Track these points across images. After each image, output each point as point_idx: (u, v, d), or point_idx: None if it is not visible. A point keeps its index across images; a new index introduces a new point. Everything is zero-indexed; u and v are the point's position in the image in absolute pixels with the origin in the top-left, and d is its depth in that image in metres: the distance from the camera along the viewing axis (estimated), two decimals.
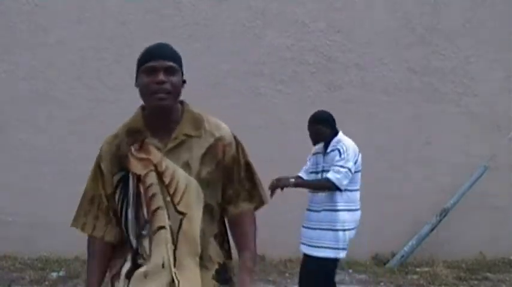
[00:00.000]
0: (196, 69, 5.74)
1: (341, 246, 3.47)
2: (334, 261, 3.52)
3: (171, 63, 1.73)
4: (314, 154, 3.74)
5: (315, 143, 3.67)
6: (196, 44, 5.69)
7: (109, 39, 5.67)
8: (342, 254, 3.51)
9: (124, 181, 1.75)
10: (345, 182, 3.39)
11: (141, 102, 1.89)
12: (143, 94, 1.76)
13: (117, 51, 5.67)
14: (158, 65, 1.71)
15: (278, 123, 5.70)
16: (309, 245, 3.54)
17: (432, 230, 5.67)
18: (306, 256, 3.59)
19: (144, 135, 1.75)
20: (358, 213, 3.57)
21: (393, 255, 5.62)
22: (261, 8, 5.77)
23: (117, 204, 1.78)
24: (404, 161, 5.91)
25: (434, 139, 5.93)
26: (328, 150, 3.54)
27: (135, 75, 1.82)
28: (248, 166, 1.89)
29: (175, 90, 1.73)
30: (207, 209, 1.75)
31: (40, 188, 5.62)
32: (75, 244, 5.51)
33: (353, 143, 3.56)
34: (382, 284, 5.08)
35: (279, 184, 3.54)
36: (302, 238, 3.63)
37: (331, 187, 3.39)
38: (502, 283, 5.18)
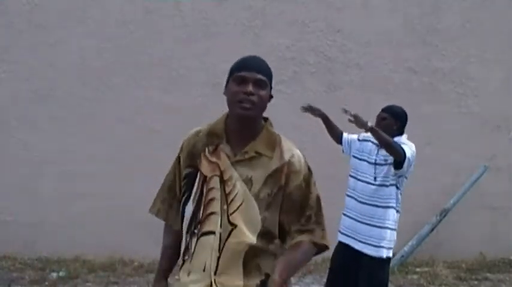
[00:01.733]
0: (196, 69, 5.76)
1: (392, 245, 3.41)
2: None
3: (261, 77, 1.76)
4: (362, 140, 3.63)
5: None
6: (196, 44, 5.69)
7: (109, 39, 5.67)
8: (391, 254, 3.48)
9: (190, 177, 1.82)
10: (411, 167, 3.34)
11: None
12: (230, 101, 1.79)
13: (117, 51, 5.67)
14: (249, 76, 1.75)
15: (278, 123, 5.68)
16: (366, 243, 3.40)
17: (432, 230, 5.67)
18: (363, 255, 3.44)
19: (220, 140, 1.79)
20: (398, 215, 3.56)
21: (393, 255, 5.61)
22: (261, 8, 5.77)
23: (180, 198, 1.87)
24: None
25: (434, 139, 5.93)
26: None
27: (225, 82, 1.86)
28: (318, 201, 1.89)
29: (261, 104, 1.77)
30: (266, 234, 1.75)
31: (40, 188, 5.62)
32: (75, 244, 5.56)
33: (414, 149, 3.43)
34: None
35: (357, 121, 3.40)
36: (348, 230, 3.49)
37: (401, 156, 3.27)
38: (502, 283, 5.18)
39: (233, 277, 1.72)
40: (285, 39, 5.78)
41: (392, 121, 3.50)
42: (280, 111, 5.94)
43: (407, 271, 5.38)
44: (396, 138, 3.46)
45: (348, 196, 3.62)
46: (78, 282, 4.92)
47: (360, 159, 3.59)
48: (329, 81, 5.83)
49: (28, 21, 5.64)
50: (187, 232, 1.81)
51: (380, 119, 3.54)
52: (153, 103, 5.63)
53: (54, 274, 5.06)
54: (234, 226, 1.72)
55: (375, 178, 3.42)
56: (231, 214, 1.73)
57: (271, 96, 1.85)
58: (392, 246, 3.50)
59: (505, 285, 5.14)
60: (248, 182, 1.74)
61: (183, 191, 1.85)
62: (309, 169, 1.86)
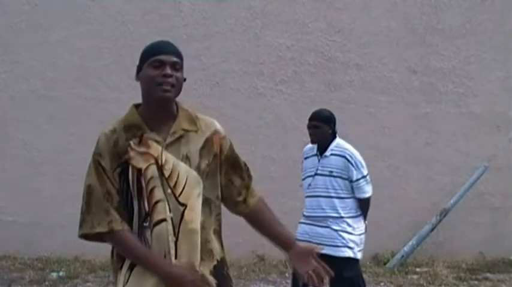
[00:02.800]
0: (196, 69, 5.75)
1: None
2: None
3: (177, 59, 1.79)
4: (306, 158, 3.62)
5: (316, 143, 3.56)
6: (196, 44, 5.69)
7: (109, 39, 5.67)
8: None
9: (124, 174, 1.78)
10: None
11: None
12: (148, 86, 1.80)
13: (117, 51, 5.67)
14: (166, 59, 1.78)
15: (278, 123, 5.70)
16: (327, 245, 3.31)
17: (432, 230, 5.67)
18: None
19: (142, 130, 1.78)
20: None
21: (393, 255, 5.62)
22: (261, 8, 5.77)
23: (122, 198, 1.80)
24: (405, 161, 5.91)
25: (434, 139, 5.93)
26: (328, 153, 3.45)
27: (136, 70, 1.88)
28: (240, 158, 1.97)
29: (178, 86, 1.79)
30: (206, 202, 1.80)
31: (40, 188, 5.62)
32: (75, 244, 5.53)
33: (356, 151, 3.50)
34: (382, 284, 5.08)
35: None
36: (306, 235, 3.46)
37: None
38: (502, 283, 5.18)
39: (194, 260, 1.75)
40: (285, 39, 5.78)
41: (326, 127, 3.52)
42: (280, 111, 5.95)
43: (407, 271, 5.38)
44: (335, 143, 3.49)
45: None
46: (78, 282, 4.93)
47: (306, 177, 3.59)
48: (329, 81, 5.83)
49: (28, 21, 5.65)
50: (137, 229, 1.78)
51: (314, 129, 3.52)
52: None
53: (54, 274, 5.06)
54: (184, 206, 1.75)
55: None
56: (179, 196, 1.75)
57: (184, 79, 1.87)
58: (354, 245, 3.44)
59: (505, 285, 5.14)
60: (186, 159, 1.77)
61: (122, 190, 1.78)
62: (226, 133, 1.95)
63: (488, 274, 5.39)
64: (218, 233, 1.86)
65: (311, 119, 3.57)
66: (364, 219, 3.59)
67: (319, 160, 3.50)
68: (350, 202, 3.48)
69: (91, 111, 5.65)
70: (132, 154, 1.77)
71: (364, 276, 5.25)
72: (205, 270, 1.78)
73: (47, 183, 5.62)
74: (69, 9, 5.65)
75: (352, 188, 3.47)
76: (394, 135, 5.88)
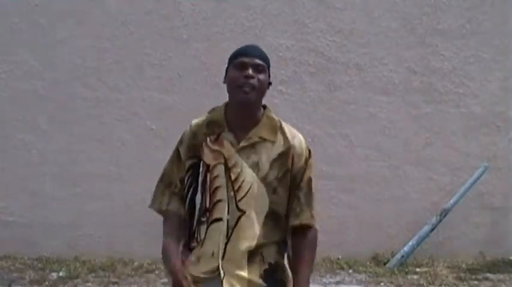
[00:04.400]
0: (196, 70, 5.75)
1: None
2: None
3: (260, 62, 1.81)
4: None
5: None
6: (196, 44, 5.69)
7: (109, 39, 5.67)
8: None
9: (194, 167, 1.83)
10: None
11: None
12: (230, 87, 1.83)
13: (117, 51, 5.67)
14: (248, 61, 1.79)
15: None
16: None
17: (432, 230, 5.67)
18: None
19: (222, 128, 1.82)
20: None
21: (393, 255, 5.62)
22: (261, 8, 5.77)
23: (186, 190, 1.87)
24: (404, 161, 5.91)
25: (434, 139, 5.93)
26: None
27: (225, 73, 1.88)
28: (310, 182, 1.89)
29: (261, 88, 1.81)
30: (273, 215, 1.80)
31: (40, 188, 5.62)
32: (75, 244, 5.56)
33: None
34: (382, 284, 5.08)
35: None
36: None
37: None
38: (502, 283, 5.18)
39: (239, 264, 1.76)
40: (285, 39, 5.78)
41: None
42: (280, 111, 5.93)
43: (407, 271, 5.37)
44: None
45: None
46: (78, 282, 4.92)
47: None
48: (329, 81, 5.83)
49: (28, 21, 5.65)
50: (196, 221, 1.84)
51: None
52: (153, 103, 5.63)
53: (54, 274, 5.06)
54: (242, 212, 1.76)
55: None
56: (239, 200, 1.76)
57: (269, 83, 1.89)
58: None
59: (505, 285, 5.14)
60: (255, 166, 1.78)
61: (188, 182, 1.86)
62: (309, 151, 1.91)
63: (488, 274, 5.39)
64: (278, 244, 1.84)
65: None
66: None
67: None
68: None
69: (91, 111, 5.66)
70: (205, 149, 1.81)
71: (364, 276, 5.27)
72: (255, 272, 1.78)
73: (47, 183, 5.62)
74: (69, 9, 5.65)
75: None
76: (394, 135, 5.88)
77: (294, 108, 5.72)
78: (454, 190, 5.78)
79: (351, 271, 5.43)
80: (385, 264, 5.56)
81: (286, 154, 1.81)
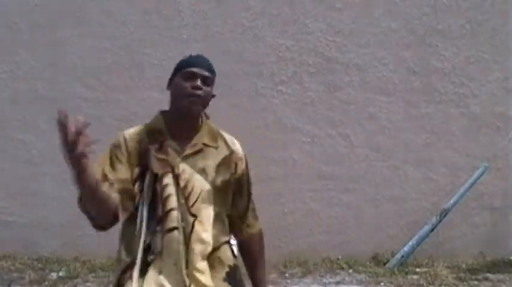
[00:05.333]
0: None
1: None
2: None
3: (208, 74, 1.86)
4: None
5: None
6: (195, 44, 5.69)
7: (109, 39, 5.67)
8: None
9: (140, 178, 1.82)
10: None
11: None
12: (176, 96, 1.85)
13: (117, 51, 5.67)
14: (198, 72, 1.83)
15: (278, 124, 5.69)
16: None
17: (432, 230, 5.67)
18: None
19: (163, 137, 1.83)
20: None
21: (393, 255, 5.62)
22: (261, 9, 5.77)
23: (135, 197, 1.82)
24: (404, 161, 5.91)
25: (434, 139, 5.94)
26: None
27: (168, 80, 1.93)
28: (250, 185, 2.01)
29: (206, 100, 1.86)
30: (219, 216, 1.84)
31: (40, 188, 5.62)
32: (75, 244, 5.56)
33: None
34: (382, 284, 5.08)
35: None
36: None
37: None
38: (502, 283, 5.18)
39: (201, 270, 1.76)
40: (285, 40, 5.78)
41: None
42: (280, 112, 5.95)
43: (407, 271, 5.37)
44: None
45: None
46: (78, 282, 4.92)
47: None
48: (329, 82, 5.84)
49: (28, 21, 5.65)
50: (149, 232, 1.79)
51: None
52: (153, 103, 5.62)
53: (54, 274, 5.06)
54: (195, 217, 1.77)
55: None
56: (191, 206, 1.77)
57: (213, 96, 1.96)
58: None
59: (505, 285, 5.14)
60: (203, 172, 1.81)
61: (139, 190, 1.82)
62: (245, 156, 1.99)
63: (488, 274, 5.39)
64: (228, 244, 1.90)
65: None
66: None
67: None
68: None
69: (91, 111, 5.65)
70: (152, 158, 1.80)
71: (364, 276, 5.27)
72: (219, 277, 1.80)
73: (47, 183, 5.62)
74: (69, 9, 5.65)
75: None
76: (394, 136, 5.89)
77: (294, 108, 5.72)
78: (454, 190, 5.79)
79: (351, 271, 5.43)
80: (385, 264, 5.57)
81: (229, 159, 1.89)
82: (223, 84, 5.79)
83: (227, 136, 1.96)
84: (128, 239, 1.87)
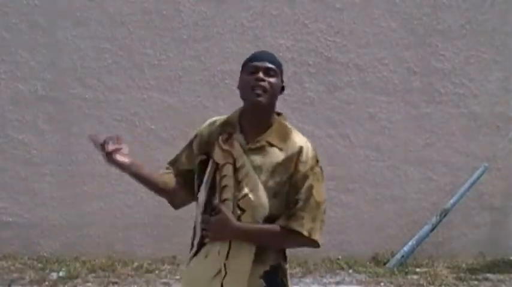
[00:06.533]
0: (196, 70, 5.75)
1: None
2: None
3: (271, 66, 1.88)
4: None
5: None
6: (195, 44, 5.69)
7: (109, 39, 5.67)
8: None
9: (203, 164, 1.90)
10: None
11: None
12: (243, 90, 1.89)
13: (117, 51, 5.67)
14: (260, 65, 1.86)
15: None
16: None
17: (432, 230, 5.67)
18: None
19: (234, 129, 1.88)
20: None
21: (393, 255, 5.62)
22: (261, 9, 5.77)
23: (195, 183, 1.96)
24: (404, 161, 5.91)
25: (434, 139, 5.94)
26: None
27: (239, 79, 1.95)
28: (311, 189, 1.85)
29: (272, 91, 1.87)
30: (271, 219, 1.83)
31: (40, 188, 5.62)
32: (75, 244, 5.57)
33: None
34: (382, 284, 5.08)
35: None
36: None
37: None
38: (502, 283, 5.18)
39: (243, 262, 1.80)
40: (285, 40, 5.78)
41: None
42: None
43: (407, 271, 5.38)
44: None
45: None
46: (78, 282, 4.93)
47: None
48: (329, 82, 5.84)
49: (28, 21, 5.65)
50: (204, 215, 1.88)
51: None
52: (153, 103, 5.63)
53: (54, 274, 5.07)
54: (242, 211, 1.81)
55: None
56: (239, 200, 1.80)
57: (283, 88, 1.97)
58: None
59: (505, 285, 5.14)
60: (257, 169, 1.82)
61: (197, 177, 1.94)
62: (317, 161, 1.91)
63: (488, 274, 5.39)
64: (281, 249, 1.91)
65: None
66: None
67: None
68: None
69: (91, 111, 5.66)
70: (217, 148, 1.86)
71: (364, 276, 5.27)
72: (257, 273, 1.82)
73: (47, 183, 5.62)
74: (69, 9, 5.65)
75: None
76: (394, 136, 5.89)
77: (294, 108, 5.72)
78: (454, 190, 5.79)
79: (351, 271, 5.43)
80: (385, 264, 5.57)
81: (290, 160, 1.84)
82: (224, 85, 5.81)
83: (299, 138, 1.92)
84: (195, 222, 1.96)
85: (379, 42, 5.87)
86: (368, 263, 5.63)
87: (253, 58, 1.91)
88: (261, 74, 1.84)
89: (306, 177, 1.85)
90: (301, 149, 1.87)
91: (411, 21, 5.92)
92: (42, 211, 5.60)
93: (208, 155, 1.89)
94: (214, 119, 2.02)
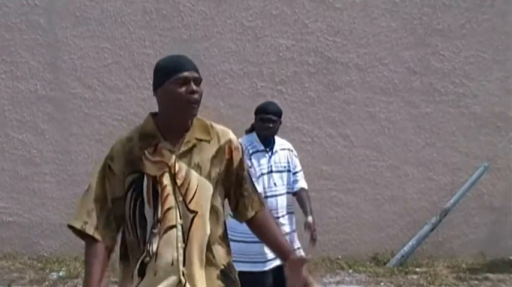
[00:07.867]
0: None
1: None
2: None
3: (198, 75, 1.84)
4: (254, 153, 3.32)
5: (270, 136, 3.40)
6: (195, 44, 5.69)
7: (109, 39, 5.67)
8: None
9: (137, 183, 1.81)
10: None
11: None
12: (172, 102, 1.82)
13: (117, 51, 5.67)
14: (190, 76, 1.81)
15: None
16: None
17: (432, 230, 5.67)
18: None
19: (157, 139, 1.83)
20: None
21: (393, 255, 5.62)
22: (261, 8, 5.77)
23: (129, 205, 1.83)
24: (404, 161, 5.91)
25: (434, 139, 5.94)
26: (278, 149, 3.36)
27: (153, 85, 1.91)
28: (249, 170, 2.02)
29: (200, 100, 1.85)
30: (213, 209, 1.84)
31: (40, 188, 5.63)
32: (75, 244, 5.54)
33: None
34: (382, 284, 5.08)
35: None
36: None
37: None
38: (502, 283, 5.18)
39: (198, 268, 1.78)
40: (285, 40, 5.78)
41: (279, 121, 3.43)
42: None
43: (407, 271, 5.38)
44: (279, 140, 3.44)
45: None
46: (78, 282, 4.92)
47: (259, 176, 3.28)
48: (329, 82, 5.84)
49: (28, 21, 5.65)
50: (147, 236, 1.80)
51: (272, 123, 3.36)
52: (153, 103, 5.62)
53: (54, 274, 5.07)
54: (194, 213, 1.79)
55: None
56: (189, 202, 1.79)
57: None
58: None
59: (505, 285, 5.14)
60: (197, 167, 1.82)
61: (133, 198, 1.82)
62: (241, 144, 1.99)
63: (488, 274, 5.39)
64: (223, 239, 1.89)
65: (268, 112, 3.37)
66: (311, 212, 3.35)
67: (270, 158, 3.33)
68: (290, 197, 3.39)
69: (91, 111, 5.66)
70: (146, 163, 1.81)
71: (364, 276, 5.27)
72: (212, 275, 1.82)
73: (47, 183, 5.63)
74: (69, 9, 5.65)
75: (293, 180, 3.40)
76: (394, 136, 5.89)
77: (294, 108, 5.72)
78: (454, 190, 5.79)
79: (351, 271, 5.43)
80: (385, 264, 5.57)
81: (223, 149, 1.89)
82: (224, 84, 5.81)
83: (219, 128, 1.94)
84: (130, 246, 1.88)
85: (379, 42, 5.87)
86: (368, 263, 5.63)
87: (180, 68, 1.82)
88: (193, 86, 1.80)
89: (242, 161, 1.95)
90: (230, 136, 1.92)
91: (411, 21, 5.92)
92: (42, 211, 5.61)
93: (140, 172, 1.80)
94: (121, 138, 1.89)
